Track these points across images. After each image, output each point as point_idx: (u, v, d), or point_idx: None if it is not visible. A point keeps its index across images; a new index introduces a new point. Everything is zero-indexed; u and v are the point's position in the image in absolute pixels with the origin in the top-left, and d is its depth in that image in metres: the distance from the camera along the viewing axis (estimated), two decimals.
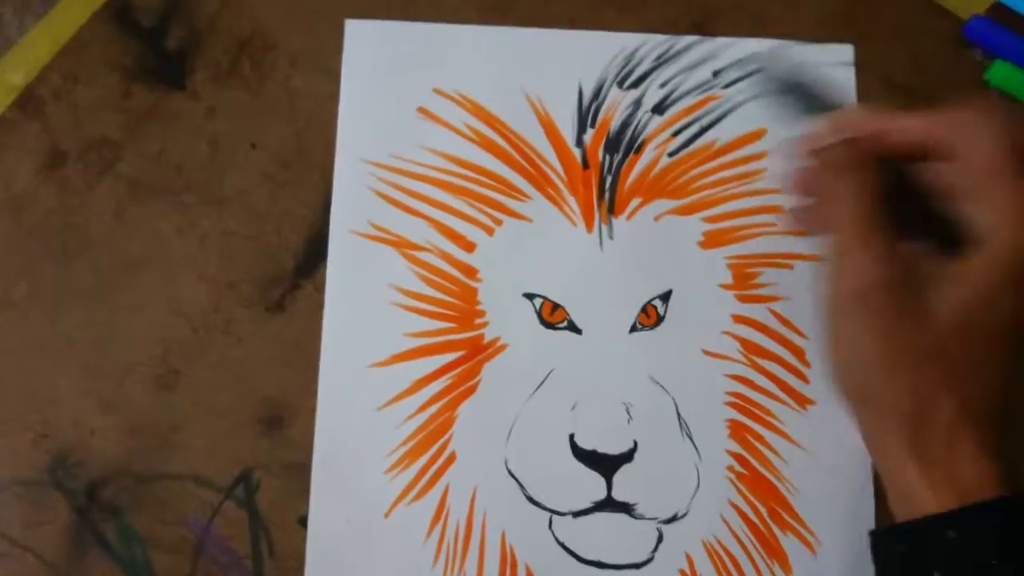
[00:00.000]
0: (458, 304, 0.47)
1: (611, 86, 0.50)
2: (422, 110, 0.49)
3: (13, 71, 0.52)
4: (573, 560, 0.45)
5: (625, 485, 0.46)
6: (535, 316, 0.47)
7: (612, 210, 0.48)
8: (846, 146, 0.40)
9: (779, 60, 0.47)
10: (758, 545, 0.46)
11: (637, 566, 0.46)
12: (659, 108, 0.50)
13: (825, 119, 0.41)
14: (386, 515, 0.46)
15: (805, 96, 0.43)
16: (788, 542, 0.46)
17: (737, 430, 0.47)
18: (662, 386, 0.47)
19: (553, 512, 0.46)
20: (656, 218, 0.48)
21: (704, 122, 0.50)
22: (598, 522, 0.46)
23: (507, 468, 0.46)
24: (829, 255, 0.39)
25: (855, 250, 0.38)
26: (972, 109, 0.39)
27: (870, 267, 0.38)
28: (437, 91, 0.50)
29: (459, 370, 0.47)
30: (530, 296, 0.48)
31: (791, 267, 0.48)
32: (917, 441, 0.36)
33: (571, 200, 0.49)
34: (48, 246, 0.49)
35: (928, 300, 0.37)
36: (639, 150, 0.49)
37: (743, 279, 0.48)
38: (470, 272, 0.48)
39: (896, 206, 0.40)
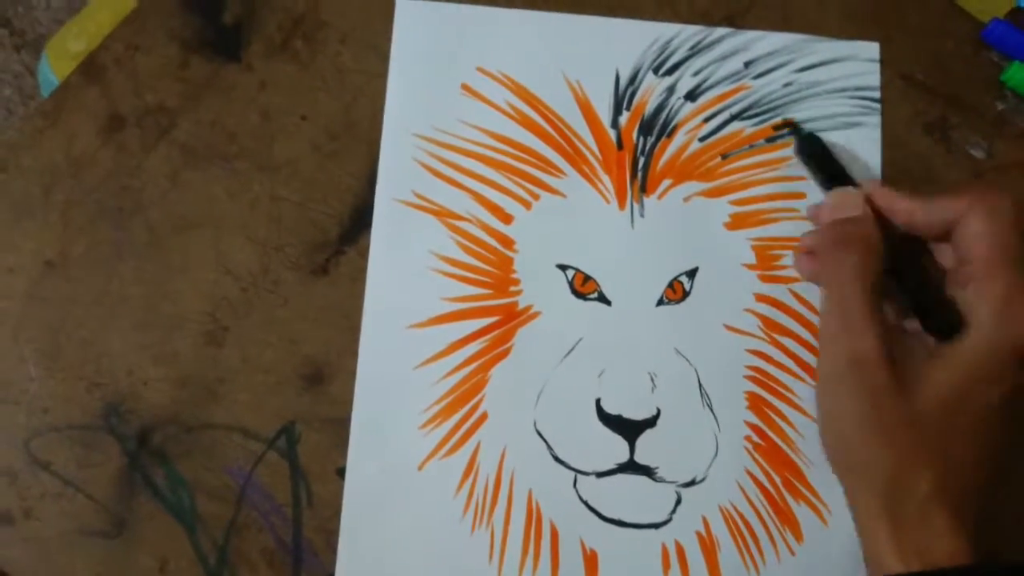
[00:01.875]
0: (495, 272, 0.50)
1: (647, 72, 0.52)
2: (466, 87, 0.52)
3: (75, 39, 0.55)
4: (595, 518, 0.48)
5: (647, 449, 0.48)
6: (567, 286, 0.50)
7: (644, 189, 0.51)
8: (857, 220, 0.43)
9: (810, 134, 0.50)
10: (772, 512, 0.48)
11: (656, 526, 0.48)
12: (692, 95, 0.52)
13: (844, 191, 0.45)
14: (419, 467, 0.48)
15: (829, 168, 0.46)
16: (801, 511, 0.48)
17: (755, 402, 0.49)
18: (686, 358, 0.49)
19: (578, 472, 0.48)
20: (685, 199, 0.51)
21: (734, 110, 0.52)
22: (620, 483, 0.48)
23: (536, 429, 0.49)
24: (826, 322, 0.42)
25: (852, 320, 0.40)
26: (982, 197, 0.41)
27: (864, 338, 0.39)
28: (481, 70, 0.52)
29: (493, 334, 0.49)
30: (563, 267, 0.50)
31: None
32: (893, 511, 0.38)
33: (605, 179, 0.51)
34: (105, 206, 0.51)
35: (916, 377, 0.39)
36: (671, 134, 0.52)
37: (766, 260, 0.51)
38: (507, 242, 0.50)
39: (899, 282, 0.43)
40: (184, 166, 0.52)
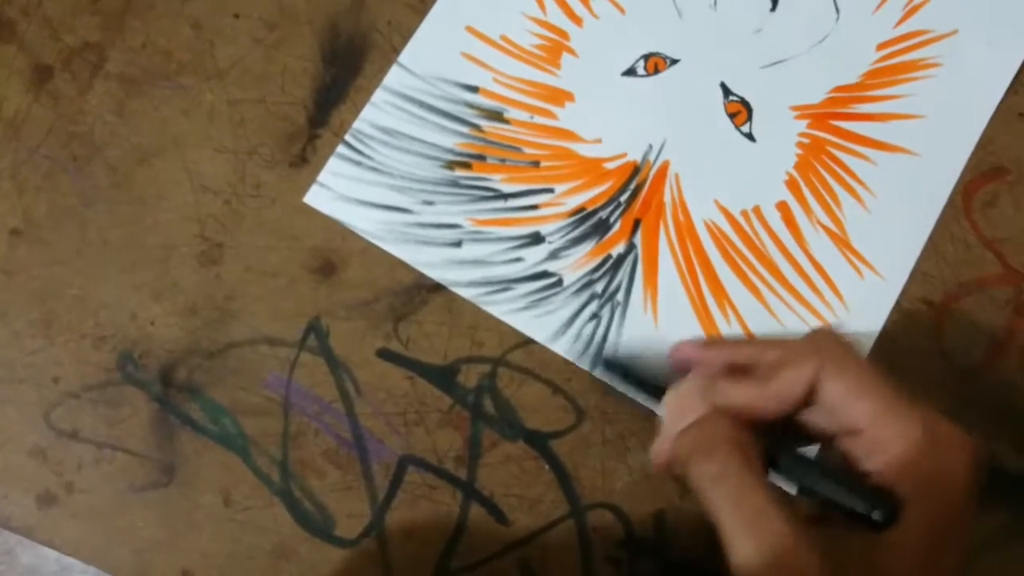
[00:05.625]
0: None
1: None
2: None
3: None
4: None
5: None
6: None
7: None
8: (705, 423, 0.35)
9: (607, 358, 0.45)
10: None
11: None
12: None
13: (676, 392, 0.38)
14: None
15: (642, 383, 0.41)
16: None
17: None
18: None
19: None
20: None
21: None
22: None
23: None
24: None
25: (740, 540, 0.31)
26: (818, 354, 0.33)
27: (775, 558, 0.30)
28: None
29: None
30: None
31: None
32: None
33: None
34: (56, 159, 0.48)
35: None
36: None
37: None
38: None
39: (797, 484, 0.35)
40: (127, 97, 0.49)
